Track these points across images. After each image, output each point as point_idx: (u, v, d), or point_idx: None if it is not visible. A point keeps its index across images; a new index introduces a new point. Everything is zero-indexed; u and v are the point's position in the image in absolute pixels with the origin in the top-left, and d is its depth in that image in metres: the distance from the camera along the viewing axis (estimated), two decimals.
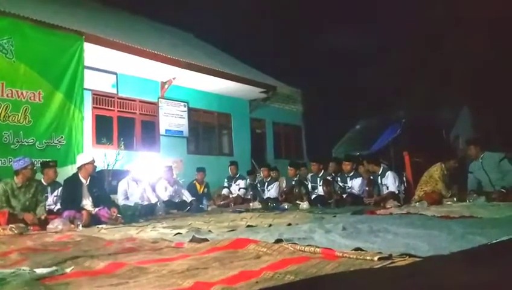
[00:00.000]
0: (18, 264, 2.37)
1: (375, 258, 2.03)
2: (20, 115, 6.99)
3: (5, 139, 6.76)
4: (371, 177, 7.28)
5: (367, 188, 7.30)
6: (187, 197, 8.11)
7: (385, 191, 6.90)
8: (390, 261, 1.99)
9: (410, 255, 2.08)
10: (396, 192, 6.77)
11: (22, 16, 7.25)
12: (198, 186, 8.84)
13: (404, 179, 7.41)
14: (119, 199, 7.00)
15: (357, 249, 2.32)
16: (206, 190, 8.92)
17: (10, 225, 4.65)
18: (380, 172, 7.07)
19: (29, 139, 7.03)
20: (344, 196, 7.46)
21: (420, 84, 13.97)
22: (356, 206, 6.43)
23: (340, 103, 16.77)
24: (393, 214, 4.98)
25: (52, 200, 6.29)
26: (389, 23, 17.08)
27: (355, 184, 7.55)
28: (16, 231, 4.52)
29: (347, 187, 7.60)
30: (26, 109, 7.06)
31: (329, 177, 7.88)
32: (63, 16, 8.64)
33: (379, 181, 7.05)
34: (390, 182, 6.85)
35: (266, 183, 9.07)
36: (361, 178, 7.58)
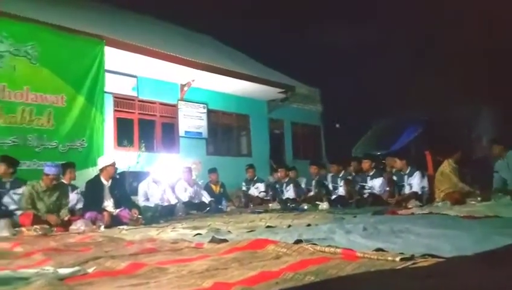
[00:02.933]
0: (42, 264, 2.42)
1: (397, 259, 1.99)
2: (44, 118, 7.15)
3: (30, 143, 6.93)
4: (393, 177, 7.19)
5: (388, 188, 7.20)
6: (206, 198, 8.16)
7: (408, 191, 6.79)
8: (412, 262, 1.95)
9: (433, 256, 2.03)
10: (420, 192, 6.67)
11: (44, 22, 7.41)
12: (213, 187, 8.86)
13: (426, 178, 7.28)
14: (140, 200, 7.09)
15: (378, 249, 2.29)
16: (222, 190, 8.93)
17: (34, 226, 4.76)
18: (407, 171, 6.98)
19: (52, 142, 7.18)
20: (365, 196, 7.37)
21: (441, 82, 13.71)
22: (377, 207, 6.35)
23: (360, 102, 16.58)
24: (415, 214, 4.90)
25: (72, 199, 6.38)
26: (408, 18, 16.81)
27: (376, 184, 7.45)
28: (40, 232, 4.63)
29: (367, 187, 7.51)
30: (49, 112, 7.22)
31: (349, 177, 7.80)
32: (84, 21, 8.80)
33: (405, 181, 6.95)
34: (416, 182, 6.77)
35: (284, 184, 9.04)
36: (382, 178, 7.48)
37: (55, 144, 7.22)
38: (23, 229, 4.76)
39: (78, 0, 11.72)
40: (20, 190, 5.58)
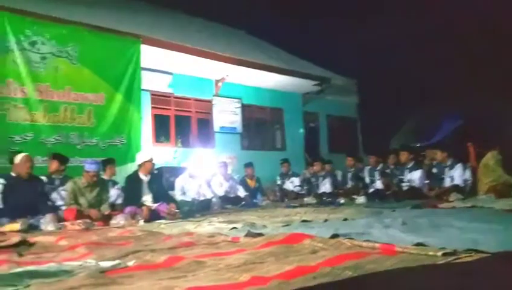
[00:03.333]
0: (85, 257, 2.51)
1: (439, 254, 1.93)
2: (84, 116, 7.40)
3: (72, 140, 7.19)
4: (434, 169, 6.97)
5: (427, 181, 6.99)
6: (241, 192, 8.21)
7: (449, 184, 6.57)
8: (455, 257, 1.88)
9: (477, 251, 1.95)
10: (462, 185, 6.43)
11: (83, 22, 7.65)
12: (249, 181, 8.88)
13: (469, 171, 7.01)
14: (177, 195, 7.22)
15: (419, 244, 2.22)
16: (257, 184, 8.95)
17: (77, 221, 4.95)
18: (448, 163, 6.76)
19: (92, 139, 7.42)
20: (403, 189, 7.19)
21: (482, 73, 13.14)
22: (416, 200, 6.17)
23: (397, 93, 16.14)
24: (456, 207, 4.74)
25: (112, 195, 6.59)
26: (448, 9, 16.16)
27: (414, 176, 7.24)
28: (82, 226, 4.79)
29: (406, 180, 7.31)
30: (90, 111, 7.46)
31: (387, 170, 7.63)
32: (120, 21, 9.02)
33: (445, 173, 6.73)
34: (457, 174, 6.54)
35: (320, 178, 8.94)
36: (421, 170, 7.26)
37: (95, 141, 7.46)
38: (67, 223, 4.95)
39: (115, 0, 12.04)
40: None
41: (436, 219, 3.39)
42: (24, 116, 6.77)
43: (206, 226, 4.25)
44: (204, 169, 8.27)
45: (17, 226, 4.63)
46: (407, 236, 2.67)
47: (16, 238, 3.25)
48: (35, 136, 6.82)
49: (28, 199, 5.24)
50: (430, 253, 1.97)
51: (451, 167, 6.69)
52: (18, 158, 5.46)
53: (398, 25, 16.56)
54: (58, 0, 8.83)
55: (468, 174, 6.67)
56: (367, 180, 8.11)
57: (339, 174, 9.27)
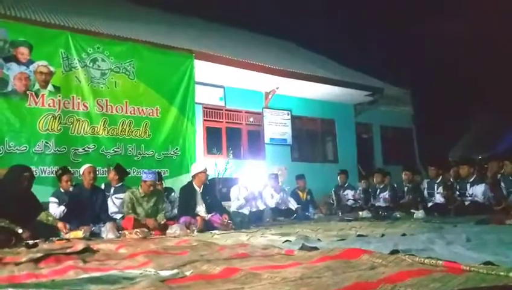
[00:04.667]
0: (144, 266, 2.58)
1: (511, 274, 1.79)
2: (141, 129, 7.71)
3: (130, 152, 7.51)
4: (501, 183, 6.53)
5: (492, 194, 6.56)
6: (293, 204, 8.14)
7: None
8: None
9: None
10: None
11: (139, 39, 8.04)
12: (300, 193, 8.78)
13: None
14: (233, 204, 7.29)
15: (487, 263, 2.08)
16: (309, 197, 8.83)
17: (135, 230, 5.12)
18: None
19: (149, 151, 7.71)
20: (466, 203, 6.79)
21: None
22: (479, 215, 5.81)
23: (454, 102, 15.43)
24: None
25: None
26: (506, 10, 15.30)
27: (477, 191, 6.83)
28: (140, 235, 4.95)
29: (468, 194, 6.91)
30: (146, 124, 7.77)
31: (449, 183, 7.25)
32: (174, 36, 9.37)
33: None
34: None
35: (378, 190, 8.65)
36: (484, 184, 6.85)
37: (151, 152, 7.73)
38: (126, 232, 5.13)
39: (168, 16, 12.55)
40: (122, 195, 6.07)
41: (505, 236, 3.16)
42: (86, 129, 7.17)
43: (259, 238, 4.24)
44: (256, 180, 8.29)
45: (80, 233, 4.88)
46: (473, 254, 2.51)
47: (81, 245, 3.40)
48: (96, 148, 7.19)
49: (91, 208, 5.53)
50: (501, 273, 1.83)
51: None
52: (82, 169, 5.78)
53: (453, 31, 15.93)
54: (116, 19, 9.36)
55: None
56: (425, 193, 7.75)
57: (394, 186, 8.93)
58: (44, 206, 5.22)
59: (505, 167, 6.72)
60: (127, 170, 6.74)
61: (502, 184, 6.62)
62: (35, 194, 5.01)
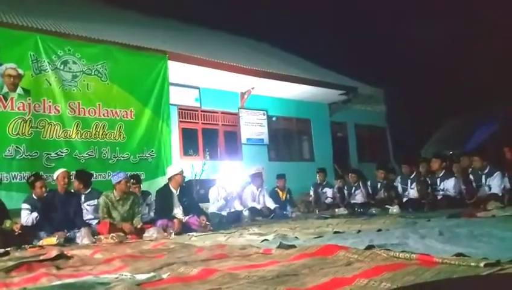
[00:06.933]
0: (120, 270, 2.54)
1: (481, 265, 1.84)
2: (115, 132, 7.58)
3: (104, 155, 7.38)
4: (470, 176, 6.72)
5: (464, 187, 6.75)
6: (271, 204, 8.15)
7: (487, 192, 6.33)
8: (499, 268, 1.79)
9: None
10: (500, 194, 6.19)
11: (112, 41, 7.90)
12: (280, 193, 8.81)
13: (507, 177, 6.75)
14: (213, 205, 7.25)
15: (459, 254, 2.14)
16: (288, 196, 8.88)
17: (111, 234, 5.02)
18: (486, 171, 6.53)
19: (124, 154, 7.59)
20: (438, 198, 6.97)
21: None
22: (451, 209, 5.97)
23: (426, 101, 15.81)
24: (496, 216, 4.55)
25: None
26: (477, 12, 15.79)
27: (448, 185, 7.02)
28: (116, 240, 4.87)
29: (440, 189, 7.09)
30: (120, 126, 7.64)
31: (422, 179, 7.42)
32: (148, 38, 9.26)
33: (483, 181, 6.49)
34: (495, 183, 6.30)
35: (353, 187, 8.78)
36: (453, 178, 7.04)
37: (127, 155, 7.61)
38: (101, 237, 5.04)
39: (142, 17, 12.40)
40: (94, 201, 5.94)
41: (476, 229, 3.25)
42: (58, 133, 7.00)
43: (237, 238, 4.24)
44: (233, 181, 8.26)
45: (54, 240, 4.76)
46: (446, 247, 2.58)
47: (54, 252, 3.33)
48: (69, 152, 7.03)
49: (65, 214, 5.40)
50: (472, 264, 1.89)
51: (490, 174, 6.45)
52: (56, 174, 5.64)
53: (423, 28, 16.31)
54: (88, 21, 9.18)
55: (506, 181, 6.42)
56: (399, 189, 7.91)
57: (368, 184, 9.08)
58: (15, 213, 5.08)
59: (474, 162, 6.93)
60: (92, 173, 6.53)
61: (471, 177, 6.82)
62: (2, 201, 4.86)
